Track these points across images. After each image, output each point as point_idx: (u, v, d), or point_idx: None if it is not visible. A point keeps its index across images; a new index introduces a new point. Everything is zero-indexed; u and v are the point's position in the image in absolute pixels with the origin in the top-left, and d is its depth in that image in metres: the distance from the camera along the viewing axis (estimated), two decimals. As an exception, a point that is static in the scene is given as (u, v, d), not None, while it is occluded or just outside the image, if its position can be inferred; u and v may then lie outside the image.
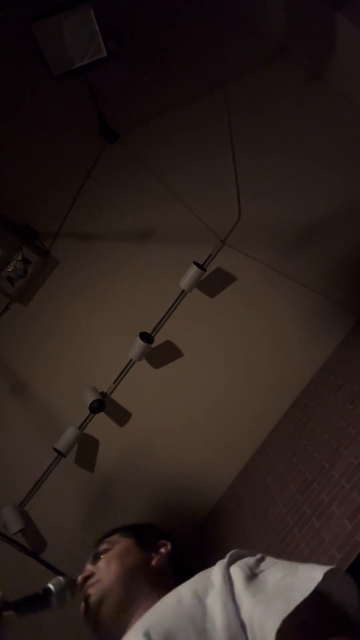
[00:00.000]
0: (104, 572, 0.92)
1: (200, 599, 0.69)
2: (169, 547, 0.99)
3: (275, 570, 0.69)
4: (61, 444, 2.60)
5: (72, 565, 2.62)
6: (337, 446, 1.89)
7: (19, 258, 2.76)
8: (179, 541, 1.06)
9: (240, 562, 0.73)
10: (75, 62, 2.18)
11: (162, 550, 0.97)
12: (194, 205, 2.81)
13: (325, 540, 1.48)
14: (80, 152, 2.76)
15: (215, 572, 0.72)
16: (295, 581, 0.63)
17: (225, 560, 0.75)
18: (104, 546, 1.00)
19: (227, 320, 2.88)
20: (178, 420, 2.85)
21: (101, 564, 0.95)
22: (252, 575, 0.69)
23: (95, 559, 0.98)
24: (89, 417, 2.74)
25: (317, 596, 0.60)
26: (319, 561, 1.43)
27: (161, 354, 2.83)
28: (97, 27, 2.10)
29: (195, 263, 2.68)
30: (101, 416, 2.76)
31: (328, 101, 2.70)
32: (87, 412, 2.70)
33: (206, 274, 2.74)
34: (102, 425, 2.78)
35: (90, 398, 2.69)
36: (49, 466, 2.68)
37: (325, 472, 1.82)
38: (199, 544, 2.59)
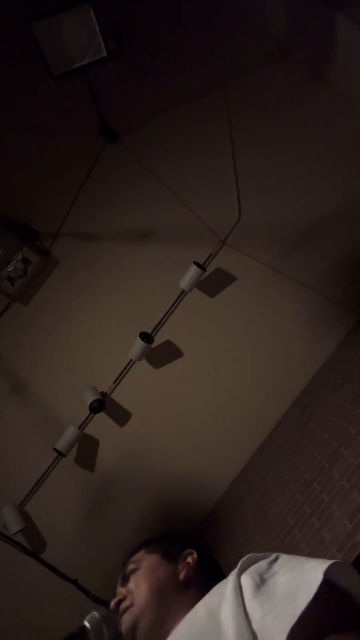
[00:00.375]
0: (135, 594, 0.91)
1: (213, 615, 0.70)
2: (195, 555, 0.97)
3: (284, 573, 0.69)
4: (61, 444, 2.60)
5: (72, 565, 2.65)
6: (337, 446, 1.89)
7: (19, 258, 2.76)
8: (205, 543, 1.06)
9: (250, 570, 0.73)
10: (75, 62, 2.18)
11: (189, 560, 0.96)
12: (194, 205, 2.81)
13: (325, 540, 1.48)
14: (80, 152, 2.76)
15: (228, 584, 0.72)
16: (300, 584, 0.64)
17: (236, 570, 0.75)
18: (131, 566, 0.99)
19: (227, 320, 2.88)
20: (178, 420, 2.85)
21: (131, 585, 0.94)
22: (261, 582, 0.69)
23: (125, 580, 0.97)
24: (89, 417, 2.74)
25: (325, 589, 0.61)
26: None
27: (161, 354, 2.83)
28: (97, 27, 2.10)
29: (195, 263, 2.68)
30: (101, 416, 2.76)
31: (328, 101, 2.70)
32: (87, 412, 2.70)
33: (206, 274, 2.74)
34: (102, 425, 2.78)
35: (90, 398, 2.69)
36: (49, 466, 2.68)
37: (325, 472, 1.82)
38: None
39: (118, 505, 2.77)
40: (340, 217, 2.80)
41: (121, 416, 2.83)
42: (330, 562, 0.64)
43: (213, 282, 2.84)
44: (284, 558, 0.74)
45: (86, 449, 2.78)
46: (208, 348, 2.88)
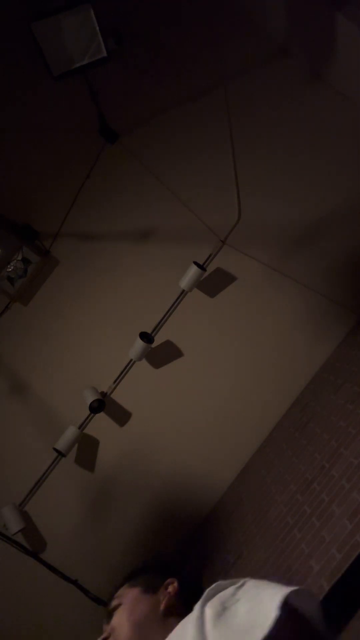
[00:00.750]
0: (117, 632, 0.93)
1: None
2: (175, 584, 0.99)
3: (245, 602, 0.70)
4: (61, 444, 2.60)
5: (72, 565, 2.65)
6: (337, 446, 1.89)
7: (19, 258, 2.76)
8: (189, 568, 1.08)
9: (215, 599, 0.74)
10: (75, 62, 2.18)
11: (170, 589, 0.98)
12: (194, 205, 2.81)
13: (325, 540, 1.48)
14: (80, 152, 2.77)
15: (191, 616, 0.74)
16: (258, 616, 0.65)
17: (201, 600, 0.76)
18: (114, 602, 1.01)
19: (227, 320, 2.88)
20: (178, 420, 2.85)
21: (114, 621, 0.96)
22: (222, 610, 0.70)
23: (109, 617, 0.99)
24: (89, 417, 2.74)
25: (283, 620, 0.62)
26: (319, 561, 1.43)
27: (161, 354, 2.84)
28: (97, 27, 2.10)
29: (195, 263, 2.68)
30: (101, 416, 2.76)
31: (328, 101, 2.70)
32: (87, 412, 2.70)
33: (206, 274, 2.74)
34: (102, 425, 2.78)
35: (90, 398, 2.69)
36: (49, 466, 2.68)
37: (325, 472, 1.82)
38: (199, 544, 2.60)
39: (118, 505, 2.77)
40: (340, 217, 2.81)
41: (121, 416, 2.83)
42: (289, 590, 0.65)
43: (213, 282, 2.84)
44: (249, 584, 0.75)
45: (86, 449, 2.78)
46: (208, 348, 2.88)
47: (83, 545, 2.70)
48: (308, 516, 1.70)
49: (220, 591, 0.76)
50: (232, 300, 2.87)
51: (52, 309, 2.82)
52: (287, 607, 0.63)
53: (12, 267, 2.76)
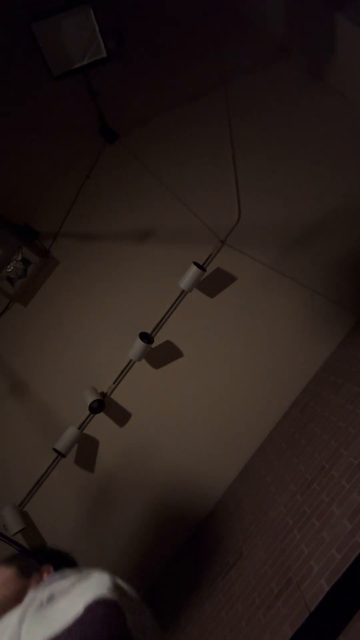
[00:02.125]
0: None
1: (7, 624, 0.77)
2: (51, 569, 1.03)
3: (67, 597, 0.76)
4: (61, 444, 2.60)
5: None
6: (337, 446, 1.89)
7: (19, 258, 2.76)
8: (70, 557, 1.12)
9: (47, 588, 0.81)
10: (75, 62, 2.18)
11: (45, 575, 1.02)
12: (194, 205, 2.81)
13: (325, 540, 1.48)
14: (80, 152, 2.77)
15: (25, 602, 0.81)
16: (67, 607, 0.72)
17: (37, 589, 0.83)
18: None
19: (227, 320, 2.88)
20: (178, 420, 2.85)
21: None
22: (47, 601, 0.77)
23: None
24: (89, 417, 2.74)
25: (92, 615, 0.68)
26: (319, 561, 1.43)
27: (161, 354, 2.83)
28: (97, 27, 2.10)
29: (195, 263, 2.68)
30: (101, 416, 2.76)
31: (328, 101, 2.70)
32: (87, 412, 2.70)
33: (206, 274, 2.74)
34: (102, 425, 2.78)
35: (90, 398, 2.69)
36: (49, 466, 2.68)
37: (325, 472, 1.82)
38: (199, 544, 2.59)
39: (118, 506, 2.77)
40: (340, 217, 2.81)
41: (121, 416, 2.83)
42: (102, 589, 0.71)
43: (213, 282, 2.84)
44: (87, 582, 0.79)
45: (86, 449, 2.78)
46: (208, 348, 2.88)
47: (83, 545, 2.70)
48: (308, 516, 1.70)
49: (63, 578, 0.82)
50: (232, 301, 2.87)
51: (51, 309, 2.82)
52: (101, 607, 0.69)
53: (12, 267, 2.76)
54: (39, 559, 1.07)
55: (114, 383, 2.80)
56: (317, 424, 2.26)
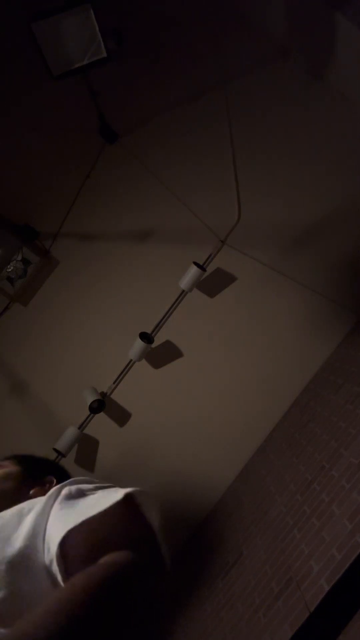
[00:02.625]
0: None
1: (21, 514, 0.71)
2: (55, 483, 0.99)
3: (97, 494, 0.71)
4: (61, 444, 2.60)
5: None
6: (337, 446, 1.89)
7: (19, 258, 2.76)
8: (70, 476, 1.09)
9: (73, 484, 0.75)
10: (75, 62, 2.18)
11: (47, 486, 0.98)
12: (194, 205, 2.81)
13: (325, 540, 1.48)
14: (80, 152, 2.76)
15: (47, 494, 0.74)
16: (100, 500, 0.66)
17: (63, 484, 0.76)
18: None
19: (227, 320, 2.88)
20: (178, 420, 2.85)
21: None
22: (76, 495, 0.71)
23: None
24: (89, 417, 2.74)
25: (121, 508, 0.64)
26: (319, 561, 1.43)
27: (161, 354, 2.83)
28: (97, 27, 2.10)
29: (195, 263, 2.68)
30: (101, 416, 2.76)
31: (328, 101, 2.70)
32: (87, 412, 2.70)
33: (206, 274, 2.74)
34: (102, 425, 2.78)
35: (90, 398, 2.69)
36: (49, 466, 2.67)
37: (325, 472, 1.82)
38: (199, 543, 2.59)
39: (118, 506, 2.77)
40: (340, 217, 2.81)
41: (121, 416, 2.83)
42: (134, 489, 0.67)
43: (213, 282, 2.84)
44: (111, 489, 0.75)
45: (86, 449, 2.78)
46: (208, 348, 2.88)
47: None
48: (308, 516, 1.70)
49: (85, 483, 0.77)
50: (232, 301, 2.87)
51: (52, 310, 2.82)
52: (132, 502, 0.65)
53: (12, 267, 2.76)
54: (48, 471, 1.04)
55: (114, 383, 2.80)
56: (317, 424, 2.26)
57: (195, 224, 2.82)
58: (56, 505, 0.69)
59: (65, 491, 0.72)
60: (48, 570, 0.62)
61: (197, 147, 2.80)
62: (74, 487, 0.73)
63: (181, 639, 1.94)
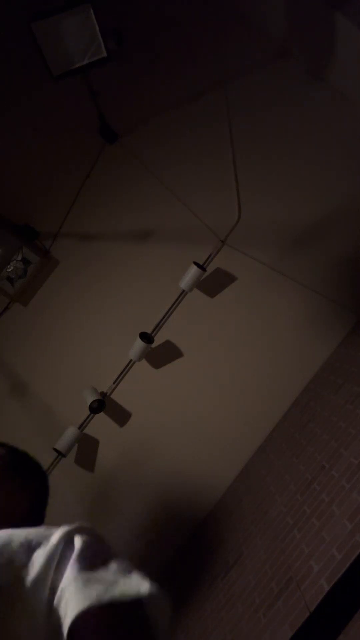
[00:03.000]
0: None
1: (29, 548, 0.68)
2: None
3: (112, 561, 0.69)
4: (61, 444, 2.60)
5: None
6: (337, 446, 1.89)
7: (19, 258, 2.76)
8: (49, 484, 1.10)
9: (86, 535, 0.73)
10: (75, 62, 2.18)
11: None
12: (194, 205, 2.81)
13: (325, 540, 1.48)
14: (80, 152, 2.77)
15: (56, 532, 0.72)
16: (123, 579, 0.64)
17: (72, 527, 0.73)
18: None
19: (227, 320, 2.88)
20: (178, 420, 2.85)
21: None
22: (91, 557, 0.69)
23: None
24: (89, 417, 2.74)
25: (135, 603, 0.61)
26: (319, 561, 1.43)
27: (161, 354, 2.83)
28: (97, 27, 2.10)
29: (195, 263, 2.68)
30: (101, 416, 2.76)
31: (328, 101, 2.70)
32: (87, 412, 2.70)
33: (206, 274, 2.74)
34: (102, 425, 2.78)
35: (90, 398, 2.69)
36: (49, 466, 2.68)
37: (325, 472, 1.82)
38: (199, 543, 2.59)
39: (118, 506, 2.77)
40: (340, 216, 2.81)
41: (121, 416, 2.83)
42: (153, 585, 0.65)
43: (213, 282, 2.84)
44: (114, 553, 0.73)
45: (86, 449, 2.78)
46: (208, 348, 2.88)
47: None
48: (308, 516, 1.70)
49: (89, 533, 0.74)
50: (232, 301, 2.87)
51: (52, 310, 2.82)
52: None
53: (12, 267, 2.76)
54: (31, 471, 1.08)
55: (114, 383, 2.80)
56: (317, 424, 2.26)
57: (195, 224, 2.82)
58: (75, 558, 0.67)
59: (81, 544, 0.69)
60: (49, 615, 0.62)
61: (197, 147, 2.80)
62: (87, 539, 0.71)
63: (181, 639, 1.94)
